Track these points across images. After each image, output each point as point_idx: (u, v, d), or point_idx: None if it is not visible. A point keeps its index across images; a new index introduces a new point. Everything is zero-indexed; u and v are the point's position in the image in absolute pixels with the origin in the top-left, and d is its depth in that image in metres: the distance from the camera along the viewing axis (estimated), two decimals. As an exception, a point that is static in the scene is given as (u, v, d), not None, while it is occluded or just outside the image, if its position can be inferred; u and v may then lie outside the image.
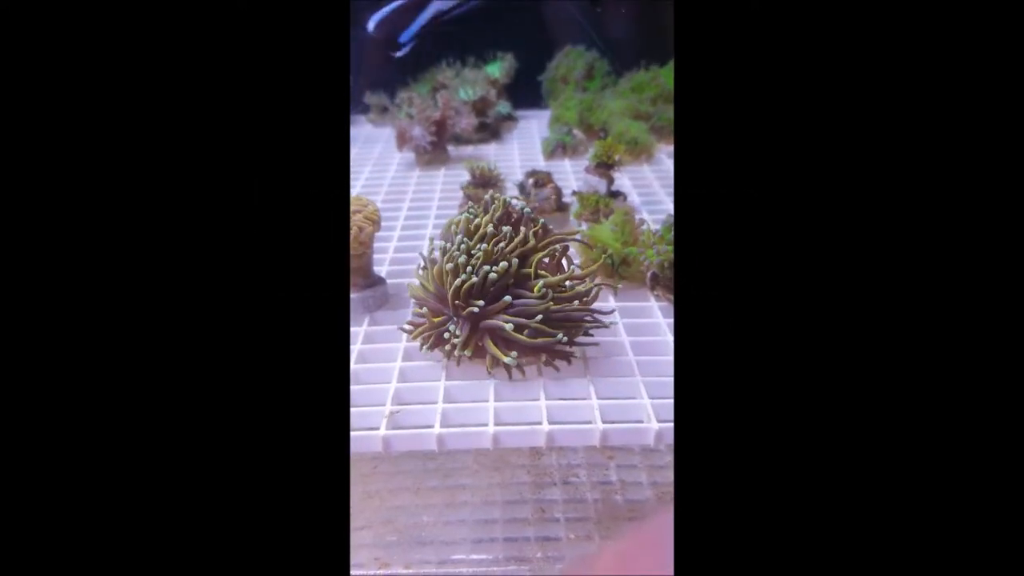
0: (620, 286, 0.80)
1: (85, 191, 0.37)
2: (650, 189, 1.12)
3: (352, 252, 0.73)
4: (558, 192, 1.00)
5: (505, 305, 0.62)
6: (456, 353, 0.63)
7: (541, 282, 0.63)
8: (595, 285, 0.67)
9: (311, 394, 0.37)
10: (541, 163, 1.26)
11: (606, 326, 0.69)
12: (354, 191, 1.16)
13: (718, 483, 0.33)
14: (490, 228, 0.64)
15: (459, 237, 0.65)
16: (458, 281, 0.61)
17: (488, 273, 0.61)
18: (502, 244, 0.64)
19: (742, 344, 0.34)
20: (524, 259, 0.65)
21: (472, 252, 0.63)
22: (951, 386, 0.33)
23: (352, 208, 0.73)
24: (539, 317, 0.61)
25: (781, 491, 0.32)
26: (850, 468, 0.33)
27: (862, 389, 0.33)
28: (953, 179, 0.34)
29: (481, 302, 0.61)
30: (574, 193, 1.02)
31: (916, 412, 0.33)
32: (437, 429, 0.59)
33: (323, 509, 0.36)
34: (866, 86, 0.34)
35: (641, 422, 0.60)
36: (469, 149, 1.35)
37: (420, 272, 0.67)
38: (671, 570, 0.31)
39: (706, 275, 0.35)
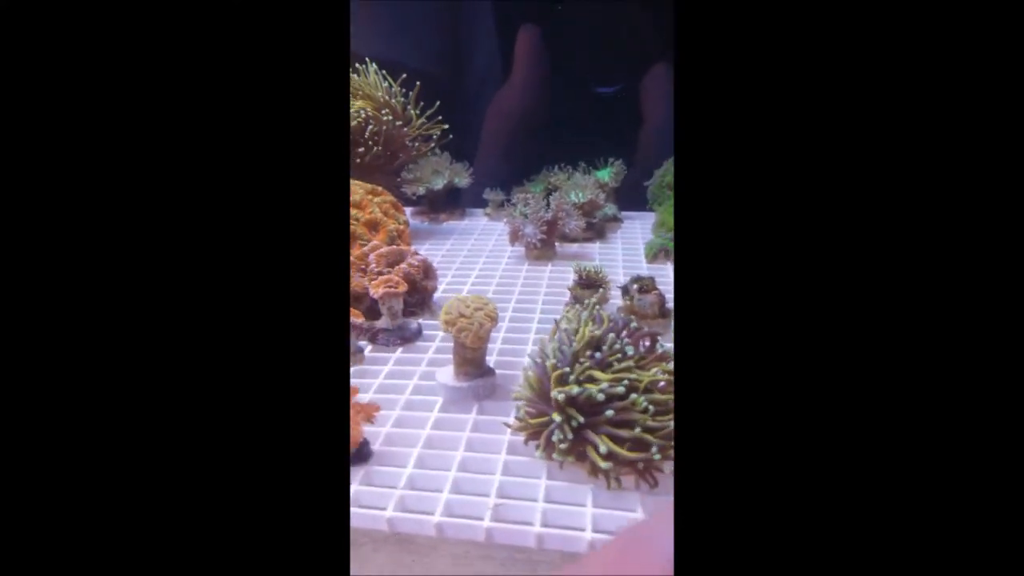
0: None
1: (72, 232, 0.36)
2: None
3: (472, 346, 0.81)
4: (661, 298, 1.04)
5: (607, 419, 0.66)
6: (558, 458, 0.67)
7: (643, 399, 0.66)
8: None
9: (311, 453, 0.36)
10: (643, 265, 1.31)
11: None
12: (469, 281, 1.26)
13: (718, 503, 0.33)
14: (609, 345, 0.69)
15: (565, 347, 0.70)
16: (563, 394, 0.66)
17: (592, 394, 0.66)
18: (613, 360, 0.68)
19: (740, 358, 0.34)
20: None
21: (580, 361, 0.68)
22: (954, 430, 0.32)
23: (475, 306, 0.81)
24: (637, 431, 0.64)
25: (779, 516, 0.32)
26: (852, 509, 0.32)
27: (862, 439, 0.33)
28: (960, 237, 0.33)
29: (581, 418, 0.66)
30: (676, 301, 1.06)
31: (915, 443, 0.32)
32: (537, 528, 0.62)
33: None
34: (868, 170, 0.34)
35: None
36: (575, 247, 1.42)
37: (529, 373, 0.73)
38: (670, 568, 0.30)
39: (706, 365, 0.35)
